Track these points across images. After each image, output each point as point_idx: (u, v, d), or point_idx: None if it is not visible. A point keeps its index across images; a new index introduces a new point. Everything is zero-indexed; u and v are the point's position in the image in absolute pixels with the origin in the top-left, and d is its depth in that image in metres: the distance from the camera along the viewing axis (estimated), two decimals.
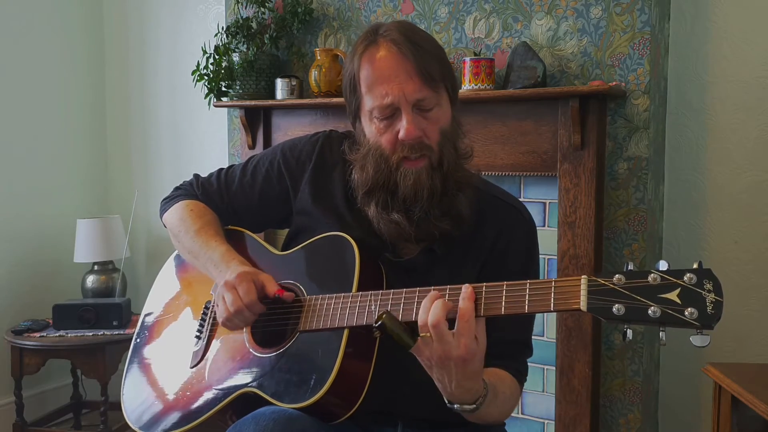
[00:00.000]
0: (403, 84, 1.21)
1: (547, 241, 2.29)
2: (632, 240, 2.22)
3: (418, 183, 1.23)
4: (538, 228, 1.41)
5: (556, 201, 2.26)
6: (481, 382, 1.12)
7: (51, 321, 2.96)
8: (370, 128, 1.27)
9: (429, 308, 1.06)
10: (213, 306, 1.38)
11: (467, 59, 2.27)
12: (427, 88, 1.22)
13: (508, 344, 1.29)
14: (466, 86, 2.26)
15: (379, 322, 1.06)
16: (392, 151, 1.24)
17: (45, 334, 2.85)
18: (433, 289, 1.11)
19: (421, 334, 1.06)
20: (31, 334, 2.85)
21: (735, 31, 2.30)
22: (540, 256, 1.41)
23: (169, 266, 1.59)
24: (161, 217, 1.51)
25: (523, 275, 1.15)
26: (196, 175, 1.53)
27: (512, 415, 2.44)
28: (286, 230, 1.47)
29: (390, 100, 1.21)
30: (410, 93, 1.21)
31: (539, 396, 2.41)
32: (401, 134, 1.22)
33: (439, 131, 1.25)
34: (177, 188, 1.53)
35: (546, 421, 2.41)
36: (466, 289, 1.07)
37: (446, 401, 1.14)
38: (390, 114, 1.23)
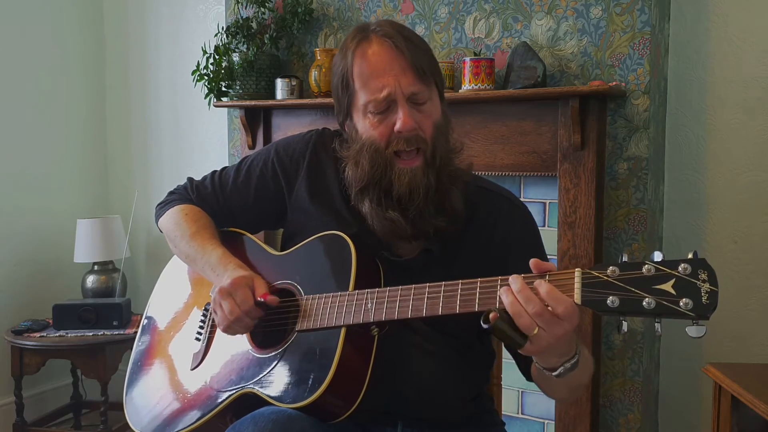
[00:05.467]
0: (399, 77, 1.22)
1: (547, 241, 2.26)
2: (632, 240, 2.22)
3: (413, 182, 1.23)
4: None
5: (556, 201, 2.26)
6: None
7: (51, 321, 2.96)
8: (363, 123, 1.27)
9: (515, 300, 0.98)
10: (212, 309, 1.38)
11: (467, 59, 2.27)
12: (420, 82, 1.24)
13: None
14: (466, 86, 2.26)
15: (489, 324, 0.97)
16: (386, 144, 1.24)
17: (45, 334, 2.85)
18: (433, 285, 1.11)
19: (531, 333, 0.97)
20: (31, 334, 2.86)
21: (735, 31, 2.29)
22: None
23: (171, 268, 1.59)
24: (157, 223, 1.51)
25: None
26: (190, 179, 1.52)
27: (512, 414, 2.45)
28: (282, 231, 1.46)
29: (386, 93, 1.22)
30: (406, 86, 1.23)
31: (539, 396, 2.41)
32: (398, 126, 1.22)
33: (432, 125, 1.26)
34: (171, 192, 1.52)
35: (546, 421, 2.41)
36: (514, 280, 1.00)
37: (546, 371, 1.07)
38: (385, 108, 1.24)
